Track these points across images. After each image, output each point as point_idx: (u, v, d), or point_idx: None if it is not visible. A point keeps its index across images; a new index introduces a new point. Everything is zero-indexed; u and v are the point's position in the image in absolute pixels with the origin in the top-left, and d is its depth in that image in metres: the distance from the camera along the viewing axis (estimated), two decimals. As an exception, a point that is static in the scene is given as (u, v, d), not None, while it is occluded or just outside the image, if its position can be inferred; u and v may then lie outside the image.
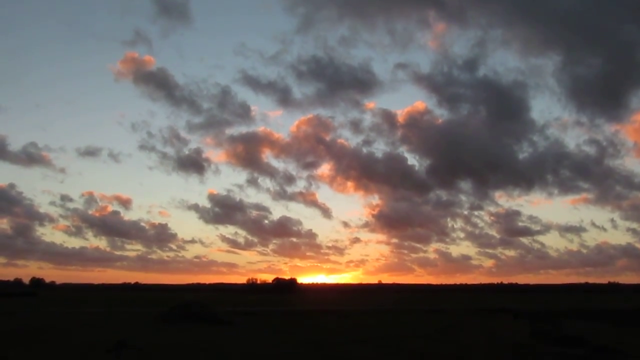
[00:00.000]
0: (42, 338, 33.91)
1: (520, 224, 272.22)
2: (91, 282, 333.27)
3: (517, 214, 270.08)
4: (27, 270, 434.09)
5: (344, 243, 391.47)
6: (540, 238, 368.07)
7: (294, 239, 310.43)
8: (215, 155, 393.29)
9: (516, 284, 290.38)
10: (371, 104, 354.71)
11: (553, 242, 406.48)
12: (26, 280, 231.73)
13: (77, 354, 26.06)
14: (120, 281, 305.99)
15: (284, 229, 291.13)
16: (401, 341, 33.53)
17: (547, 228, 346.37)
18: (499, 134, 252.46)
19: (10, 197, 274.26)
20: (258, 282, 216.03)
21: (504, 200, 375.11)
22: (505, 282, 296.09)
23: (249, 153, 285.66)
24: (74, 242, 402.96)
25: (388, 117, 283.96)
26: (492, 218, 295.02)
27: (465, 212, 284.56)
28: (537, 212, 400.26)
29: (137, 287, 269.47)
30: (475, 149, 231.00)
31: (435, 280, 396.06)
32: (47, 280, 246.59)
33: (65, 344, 30.48)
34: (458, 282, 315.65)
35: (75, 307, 77.15)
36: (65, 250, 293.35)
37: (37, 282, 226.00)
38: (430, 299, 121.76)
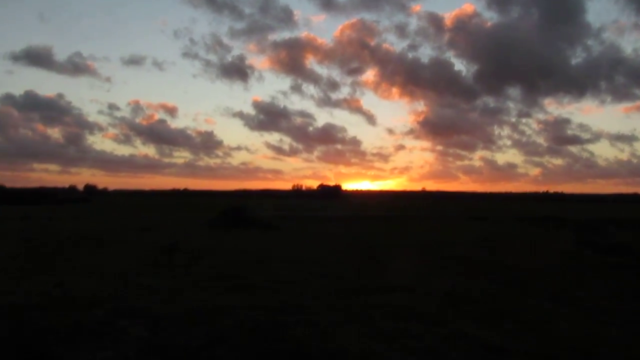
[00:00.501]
0: (99, 242, 35.54)
1: (569, 132, 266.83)
2: (141, 188, 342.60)
3: (566, 121, 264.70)
4: (80, 177, 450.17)
5: (388, 150, 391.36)
6: (590, 147, 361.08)
7: (339, 146, 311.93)
8: (259, 61, 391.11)
9: (562, 193, 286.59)
10: (417, 6, 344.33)
11: (603, 151, 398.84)
12: (80, 187, 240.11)
13: (132, 257, 27.30)
14: (169, 187, 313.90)
15: (328, 135, 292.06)
16: (444, 246, 33.99)
17: (597, 137, 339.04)
18: (551, 38, 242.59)
19: (60, 107, 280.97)
20: (303, 188, 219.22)
21: (554, 107, 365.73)
22: (552, 191, 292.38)
23: (292, 59, 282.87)
24: (123, 150, 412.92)
25: (435, 21, 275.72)
26: (540, 126, 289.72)
27: (513, 120, 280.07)
28: (587, 120, 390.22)
29: (186, 193, 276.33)
30: (526, 53, 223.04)
31: (480, 188, 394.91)
32: (100, 186, 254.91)
33: (121, 247, 31.93)
34: (503, 190, 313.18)
35: (128, 212, 79.99)
36: (115, 158, 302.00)
37: (90, 189, 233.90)
38: (474, 207, 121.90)
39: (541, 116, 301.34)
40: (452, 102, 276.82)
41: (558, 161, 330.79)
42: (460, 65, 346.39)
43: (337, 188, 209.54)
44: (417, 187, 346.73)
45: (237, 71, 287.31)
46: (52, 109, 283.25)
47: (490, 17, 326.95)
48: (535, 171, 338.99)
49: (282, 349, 7.73)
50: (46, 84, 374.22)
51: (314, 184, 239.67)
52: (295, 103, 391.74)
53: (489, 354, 11.02)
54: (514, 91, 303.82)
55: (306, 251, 30.03)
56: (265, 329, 8.93)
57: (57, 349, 10.86)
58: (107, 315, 13.80)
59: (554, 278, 22.05)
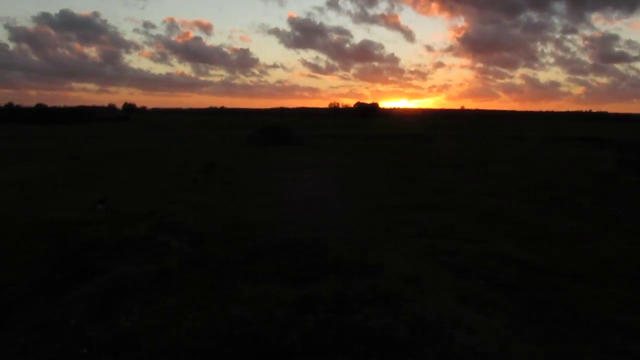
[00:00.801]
0: (139, 159, 36.23)
1: (616, 49, 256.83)
2: (179, 106, 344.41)
3: (614, 38, 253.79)
4: (118, 96, 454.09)
5: (426, 68, 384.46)
6: (638, 65, 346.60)
7: (376, 64, 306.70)
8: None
9: (606, 112, 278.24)
10: None
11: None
12: (119, 105, 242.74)
13: (172, 174, 27.84)
14: (206, 106, 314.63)
15: (365, 53, 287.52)
16: (481, 165, 33.76)
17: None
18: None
19: (96, 26, 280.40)
20: (340, 106, 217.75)
21: (601, 23, 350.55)
22: (595, 110, 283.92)
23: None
24: (159, 69, 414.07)
25: None
26: (586, 42, 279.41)
27: (557, 36, 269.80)
28: (637, 36, 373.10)
29: (223, 111, 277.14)
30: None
31: (520, 107, 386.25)
32: (138, 105, 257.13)
33: (160, 165, 32.53)
34: (544, 110, 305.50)
35: (167, 130, 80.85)
36: (152, 77, 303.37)
37: (129, 107, 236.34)
38: (514, 126, 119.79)
39: (587, 32, 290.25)
40: (494, 17, 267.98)
41: (603, 79, 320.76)
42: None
43: (374, 106, 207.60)
44: (455, 105, 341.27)
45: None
46: (88, 27, 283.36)
47: None
48: (578, 90, 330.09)
49: (320, 264, 7.91)
50: (81, 1, 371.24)
51: (350, 102, 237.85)
52: (331, 19, 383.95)
53: (520, 270, 11.11)
54: (559, 5, 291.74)
55: (343, 169, 30.16)
56: (303, 244, 9.12)
57: (101, 262, 11.32)
58: (150, 230, 14.24)
59: (592, 198, 21.85)
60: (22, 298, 10.02)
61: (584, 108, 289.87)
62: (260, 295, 6.01)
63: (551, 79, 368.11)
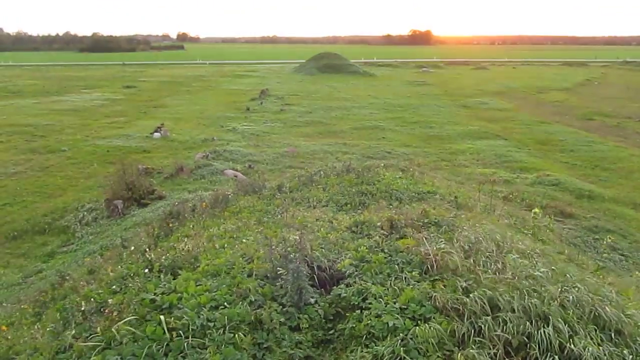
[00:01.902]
0: (194, 88, 36.55)
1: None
2: (232, 36, 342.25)
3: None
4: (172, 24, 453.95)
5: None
6: None
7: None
8: None
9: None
10: None
11: None
12: (173, 35, 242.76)
13: (226, 102, 28.06)
14: (259, 35, 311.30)
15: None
16: (538, 93, 32.73)
17: None
18: None
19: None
20: (394, 34, 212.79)
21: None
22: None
23: None
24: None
25: None
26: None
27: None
28: None
29: (275, 40, 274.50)
30: None
31: (581, 32, 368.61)
32: (192, 34, 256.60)
33: (215, 93, 32.76)
34: (607, 35, 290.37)
35: (220, 59, 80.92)
36: (205, 5, 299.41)
37: (183, 37, 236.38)
38: (574, 52, 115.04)
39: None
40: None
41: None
42: None
43: (429, 34, 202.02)
44: (513, 33, 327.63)
45: None
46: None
47: None
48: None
49: (372, 191, 7.93)
50: None
51: (404, 29, 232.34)
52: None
53: (578, 199, 10.93)
54: None
55: (396, 98, 29.77)
56: (355, 172, 9.13)
57: (160, 188, 11.66)
58: (205, 157, 14.51)
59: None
60: (87, 221, 10.48)
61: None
62: (314, 221, 6.10)
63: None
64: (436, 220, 5.57)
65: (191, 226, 6.98)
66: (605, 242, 7.40)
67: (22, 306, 5.91)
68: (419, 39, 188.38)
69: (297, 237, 4.59)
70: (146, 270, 4.73)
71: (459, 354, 3.04)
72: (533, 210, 6.94)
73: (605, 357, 2.94)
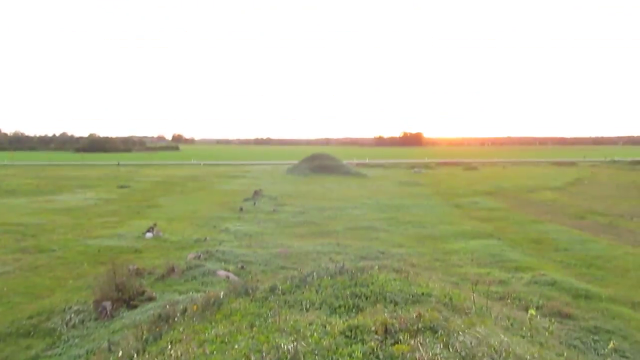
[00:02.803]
0: (188, 188, 36.83)
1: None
2: (226, 137, 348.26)
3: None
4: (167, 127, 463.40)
5: (471, 95, 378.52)
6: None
7: (421, 93, 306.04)
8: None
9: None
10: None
11: None
12: (168, 136, 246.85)
13: (219, 202, 28.20)
14: (252, 136, 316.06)
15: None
16: (530, 192, 33.14)
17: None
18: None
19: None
20: (385, 136, 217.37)
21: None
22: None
23: None
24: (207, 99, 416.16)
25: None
26: None
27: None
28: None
29: (269, 142, 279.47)
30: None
31: (568, 132, 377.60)
32: (187, 136, 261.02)
33: (208, 193, 33.00)
34: (594, 135, 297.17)
35: (214, 160, 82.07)
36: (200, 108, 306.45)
37: (178, 138, 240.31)
38: (562, 152, 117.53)
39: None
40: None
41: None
42: None
43: (420, 135, 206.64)
44: (502, 134, 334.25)
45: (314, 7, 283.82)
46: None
47: None
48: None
49: (367, 293, 7.83)
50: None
51: (396, 131, 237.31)
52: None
53: (574, 300, 10.78)
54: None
55: (388, 198, 30.02)
56: (349, 273, 9.05)
57: (151, 289, 11.46)
58: (197, 258, 14.37)
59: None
60: (74, 324, 10.21)
61: (636, 132, 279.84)
62: (306, 325, 5.99)
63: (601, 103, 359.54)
64: (431, 325, 5.47)
65: (181, 329, 6.83)
66: (609, 347, 7.20)
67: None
68: (410, 140, 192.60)
69: (290, 346, 4.48)
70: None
71: None
72: (529, 312, 6.83)
73: None
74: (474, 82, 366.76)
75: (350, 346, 4.90)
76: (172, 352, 5.31)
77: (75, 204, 27.11)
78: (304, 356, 4.44)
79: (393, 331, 5.22)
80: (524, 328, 7.07)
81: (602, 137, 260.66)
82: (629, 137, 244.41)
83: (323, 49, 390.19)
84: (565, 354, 6.28)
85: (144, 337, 6.97)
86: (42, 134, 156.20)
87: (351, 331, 5.46)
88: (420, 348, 4.36)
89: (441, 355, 4.12)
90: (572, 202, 28.11)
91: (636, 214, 23.24)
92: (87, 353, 8.43)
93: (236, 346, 5.34)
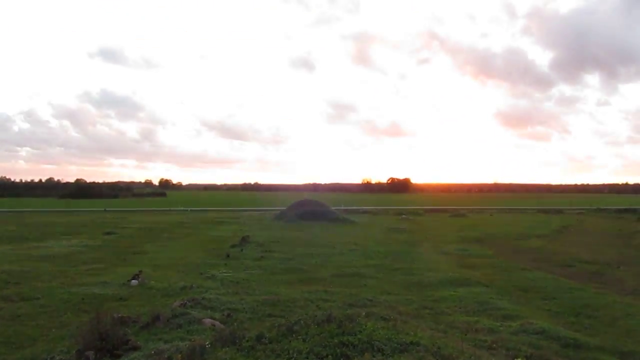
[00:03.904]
0: (174, 234, 36.62)
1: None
2: (214, 182, 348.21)
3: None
4: (155, 172, 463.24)
5: (459, 142, 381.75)
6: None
7: (408, 139, 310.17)
8: (328, 53, 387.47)
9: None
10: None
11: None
12: (155, 181, 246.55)
13: (206, 249, 28.01)
14: (240, 182, 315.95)
15: (397, 129, 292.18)
16: (517, 239, 33.26)
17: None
18: (633, 22, 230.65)
19: (134, 103, 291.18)
20: (373, 182, 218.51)
21: (636, 94, 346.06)
22: (631, 182, 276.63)
23: (360, 50, 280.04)
24: (195, 145, 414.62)
25: (507, 7, 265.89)
26: (620, 114, 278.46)
27: (591, 108, 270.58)
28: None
29: (256, 187, 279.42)
30: (605, 39, 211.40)
31: (554, 180, 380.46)
32: (174, 181, 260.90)
33: (195, 240, 32.81)
34: (579, 183, 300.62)
35: (201, 206, 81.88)
36: (188, 153, 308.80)
37: (165, 184, 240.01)
38: (548, 200, 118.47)
39: (622, 104, 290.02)
40: (526, 91, 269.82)
41: (639, 151, 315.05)
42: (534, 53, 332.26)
43: (407, 182, 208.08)
44: (489, 180, 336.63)
45: (306, 64, 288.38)
46: (127, 105, 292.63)
47: (568, 1, 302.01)
48: (614, 162, 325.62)
49: (354, 342, 7.76)
50: (120, 80, 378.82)
51: (383, 177, 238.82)
52: (364, 95, 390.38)
53: (563, 349, 10.72)
54: (593, 79, 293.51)
55: (376, 245, 29.99)
56: (337, 321, 8.97)
57: (134, 339, 11.26)
58: (182, 305, 14.18)
59: (633, 272, 21.22)
60: (55, 375, 9.96)
61: (621, 180, 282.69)
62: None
63: (586, 151, 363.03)
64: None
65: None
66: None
67: None
68: (398, 186, 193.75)
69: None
70: None
71: None
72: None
73: None
74: (462, 128, 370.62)
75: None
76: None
77: (60, 251, 26.80)
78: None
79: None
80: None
81: (588, 184, 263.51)
82: (613, 184, 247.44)
83: (310, 98, 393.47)
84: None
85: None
86: (28, 180, 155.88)
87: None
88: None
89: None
90: (559, 249, 28.22)
91: (623, 262, 23.36)
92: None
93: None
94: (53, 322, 13.45)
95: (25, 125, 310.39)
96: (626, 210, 64.91)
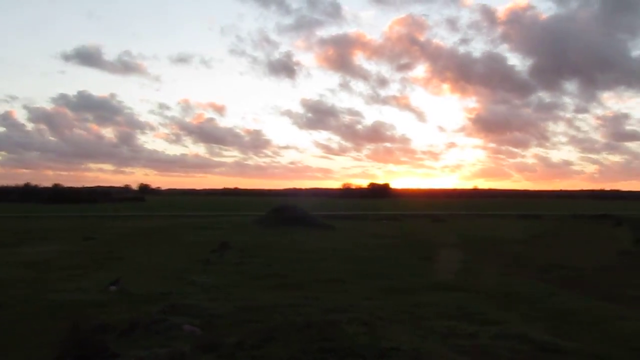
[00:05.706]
0: (153, 240, 36.36)
1: (628, 127, 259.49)
2: (193, 187, 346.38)
3: (626, 117, 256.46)
4: (134, 176, 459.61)
5: (439, 148, 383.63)
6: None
7: (388, 144, 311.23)
8: (306, 58, 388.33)
9: (619, 190, 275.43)
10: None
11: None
12: (134, 186, 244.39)
13: (185, 254, 27.83)
14: (220, 186, 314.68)
15: (377, 134, 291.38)
16: (495, 245, 33.51)
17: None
18: (611, 29, 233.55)
19: (112, 107, 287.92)
20: (353, 187, 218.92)
21: (613, 102, 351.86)
22: (608, 188, 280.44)
23: (340, 55, 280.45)
24: (174, 150, 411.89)
25: (487, 14, 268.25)
26: (597, 121, 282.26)
27: (569, 115, 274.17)
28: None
29: (236, 192, 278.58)
30: (584, 46, 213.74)
31: (533, 186, 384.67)
32: (153, 186, 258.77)
33: (174, 245, 32.60)
34: (557, 189, 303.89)
35: (181, 211, 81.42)
36: (167, 157, 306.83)
37: (144, 188, 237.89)
38: (527, 205, 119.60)
39: (599, 111, 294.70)
40: (506, 97, 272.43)
41: (616, 158, 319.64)
42: (514, 60, 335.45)
43: (387, 187, 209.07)
44: (468, 185, 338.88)
45: (284, 68, 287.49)
46: (105, 109, 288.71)
47: (547, 8, 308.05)
48: (591, 168, 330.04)
49: (335, 347, 7.77)
50: (97, 83, 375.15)
51: (363, 182, 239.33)
52: (343, 101, 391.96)
53: (542, 353, 10.81)
54: (571, 85, 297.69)
55: (356, 250, 30.05)
56: (317, 327, 8.97)
57: (113, 345, 11.15)
58: (162, 312, 14.08)
59: (610, 277, 21.49)
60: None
61: (597, 187, 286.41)
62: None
63: (563, 157, 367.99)
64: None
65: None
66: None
67: None
68: (378, 191, 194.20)
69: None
70: None
71: None
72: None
73: None
74: (442, 133, 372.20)
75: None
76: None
77: (38, 256, 26.47)
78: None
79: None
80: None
81: (566, 190, 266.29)
82: (590, 190, 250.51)
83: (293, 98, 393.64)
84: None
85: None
86: (4, 185, 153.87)
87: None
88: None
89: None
90: (538, 255, 28.48)
91: (600, 268, 23.62)
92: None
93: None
94: (30, 330, 13.27)
95: (0, 129, 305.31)
96: (603, 216, 65.73)
